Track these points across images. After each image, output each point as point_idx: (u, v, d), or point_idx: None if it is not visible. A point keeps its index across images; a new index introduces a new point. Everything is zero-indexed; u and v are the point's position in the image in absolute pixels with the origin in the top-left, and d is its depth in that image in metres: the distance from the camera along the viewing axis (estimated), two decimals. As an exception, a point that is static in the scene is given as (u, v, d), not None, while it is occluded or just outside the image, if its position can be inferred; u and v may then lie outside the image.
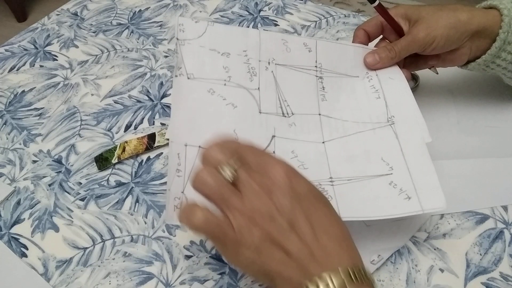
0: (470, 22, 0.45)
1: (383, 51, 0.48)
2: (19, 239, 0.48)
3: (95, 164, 0.54)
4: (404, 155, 0.42)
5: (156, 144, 0.55)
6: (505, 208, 0.46)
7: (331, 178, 0.42)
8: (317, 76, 0.48)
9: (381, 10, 0.48)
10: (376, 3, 0.48)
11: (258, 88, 0.46)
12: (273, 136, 0.43)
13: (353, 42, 0.51)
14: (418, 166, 0.42)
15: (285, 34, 0.54)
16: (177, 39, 0.45)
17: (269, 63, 0.47)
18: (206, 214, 0.31)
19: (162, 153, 0.54)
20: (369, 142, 0.44)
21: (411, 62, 0.51)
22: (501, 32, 0.45)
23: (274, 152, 0.42)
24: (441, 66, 0.51)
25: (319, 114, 0.46)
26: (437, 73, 0.54)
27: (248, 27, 0.70)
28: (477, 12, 0.46)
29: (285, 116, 0.45)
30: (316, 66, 0.48)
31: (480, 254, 0.43)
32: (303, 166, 0.42)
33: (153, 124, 0.58)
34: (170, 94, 0.61)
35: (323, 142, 0.44)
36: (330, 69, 0.49)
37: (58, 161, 0.55)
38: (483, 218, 0.46)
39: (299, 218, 0.31)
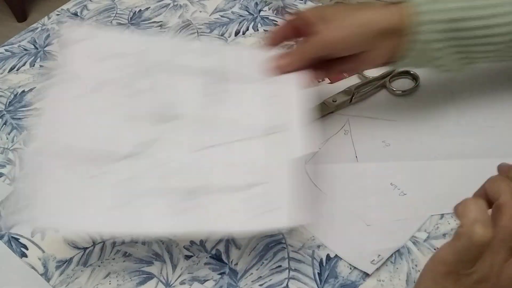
0: (374, 22, 0.43)
1: (287, 55, 0.46)
2: (19, 239, 0.48)
3: (95, 164, 0.54)
4: (281, 166, 0.41)
5: (156, 144, 0.54)
6: (505, 208, 0.46)
7: (206, 186, 0.40)
8: (210, 80, 0.46)
9: (284, 13, 0.46)
10: (279, 6, 0.45)
11: (141, 92, 0.44)
12: (152, 141, 0.42)
13: (266, 45, 0.49)
14: (289, 180, 0.40)
15: (180, 38, 0.51)
16: (60, 42, 0.44)
17: (157, 67, 0.45)
18: (490, 236, 0.30)
19: (162, 153, 0.54)
20: (251, 150, 0.42)
21: (326, 65, 0.48)
22: (411, 33, 0.43)
23: (149, 157, 0.41)
24: (364, 68, 0.48)
25: (202, 120, 0.44)
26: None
27: (248, 27, 0.71)
28: (389, 10, 0.44)
29: (168, 121, 0.43)
30: (210, 70, 0.46)
31: (480, 254, 0.43)
32: (178, 173, 0.41)
33: (153, 124, 0.58)
34: (170, 94, 0.61)
35: (205, 148, 0.43)
36: (225, 73, 0.47)
37: (58, 161, 0.55)
38: (483, 218, 0.46)
39: None
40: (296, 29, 0.48)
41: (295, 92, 0.45)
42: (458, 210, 0.32)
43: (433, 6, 0.44)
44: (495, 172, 0.48)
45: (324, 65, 0.48)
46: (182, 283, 0.43)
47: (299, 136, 0.42)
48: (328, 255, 0.44)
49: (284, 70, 0.46)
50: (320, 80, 0.48)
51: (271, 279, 0.43)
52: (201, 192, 0.40)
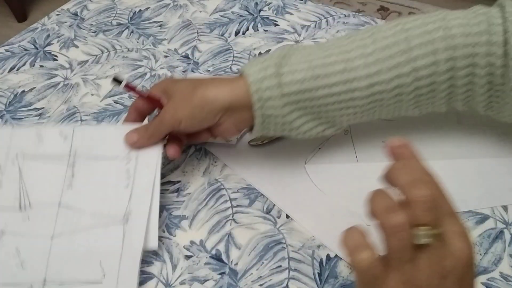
0: (215, 100, 0.43)
1: (141, 130, 0.46)
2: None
3: (95, 164, 0.54)
4: (121, 260, 0.42)
5: (156, 144, 0.55)
6: (505, 208, 0.46)
7: (45, 280, 0.41)
8: (68, 164, 0.47)
9: (130, 89, 0.47)
10: (123, 84, 0.46)
11: (1, 183, 0.46)
12: (1, 232, 0.43)
13: (126, 120, 0.50)
14: (127, 276, 0.41)
15: (42, 126, 0.51)
16: None
17: (16, 157, 0.47)
18: (372, 258, 0.30)
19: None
20: (97, 240, 0.43)
21: (188, 136, 0.49)
22: (256, 109, 0.43)
23: None
24: (223, 137, 0.49)
25: (59, 205, 0.45)
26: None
27: (248, 27, 0.71)
28: (234, 85, 0.43)
29: (21, 210, 0.44)
30: (70, 154, 0.47)
31: (480, 254, 0.43)
32: (21, 266, 0.42)
33: (153, 124, 0.58)
34: (170, 94, 0.61)
35: (52, 238, 0.43)
36: (86, 154, 0.47)
37: (58, 161, 0.55)
38: (483, 218, 0.46)
39: None
40: (152, 102, 0.48)
41: (150, 175, 0.46)
42: (341, 242, 0.32)
43: (275, 81, 0.42)
44: (494, 172, 0.48)
45: (187, 134, 0.48)
46: (182, 283, 0.43)
47: (146, 226, 0.43)
48: (328, 255, 0.44)
49: (137, 145, 0.46)
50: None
51: (271, 279, 0.43)
52: (50, 285, 0.41)
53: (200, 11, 0.75)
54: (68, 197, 0.45)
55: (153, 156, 0.47)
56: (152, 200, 0.45)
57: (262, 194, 0.49)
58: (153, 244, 0.44)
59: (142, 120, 0.50)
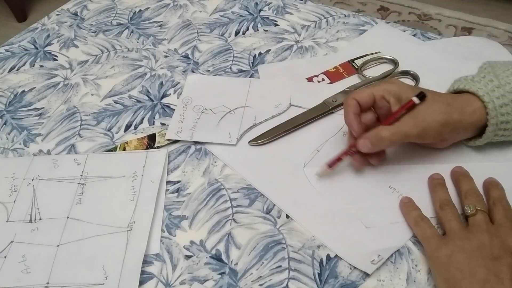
0: (460, 120, 0.46)
1: (375, 139, 0.46)
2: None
3: (95, 164, 0.54)
4: (124, 264, 0.44)
5: (156, 145, 0.55)
6: (505, 208, 0.46)
7: (47, 284, 0.43)
8: (79, 183, 0.51)
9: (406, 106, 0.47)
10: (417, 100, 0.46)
11: (14, 201, 0.50)
12: (11, 242, 0.46)
13: (346, 110, 0.48)
14: (128, 278, 0.43)
15: (59, 155, 0.55)
16: None
17: (32, 179, 0.51)
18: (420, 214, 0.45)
19: (162, 153, 0.54)
20: (101, 247, 0.45)
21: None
22: (490, 125, 0.46)
23: (5, 257, 0.45)
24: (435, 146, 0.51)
25: (67, 217, 0.48)
26: None
27: (248, 27, 0.71)
28: (466, 109, 0.46)
29: (31, 222, 0.48)
30: (81, 176, 0.51)
31: (480, 254, 0.43)
32: (26, 271, 0.44)
33: (153, 124, 0.58)
34: (170, 94, 0.61)
35: (57, 245, 0.46)
36: (96, 175, 0.51)
37: (58, 161, 0.55)
38: (483, 218, 0.46)
39: None
40: (372, 98, 0.48)
41: (154, 190, 0.49)
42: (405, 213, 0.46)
43: (501, 90, 0.46)
44: (494, 174, 0.48)
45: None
46: (182, 283, 0.43)
47: (147, 233, 0.46)
48: (328, 255, 0.44)
49: (376, 150, 0.47)
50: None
51: (271, 279, 0.43)
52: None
53: (200, 11, 0.75)
54: (76, 211, 0.49)
55: (158, 172, 0.51)
56: (156, 210, 0.48)
57: (262, 194, 0.49)
58: (155, 248, 0.45)
59: (359, 112, 0.48)
